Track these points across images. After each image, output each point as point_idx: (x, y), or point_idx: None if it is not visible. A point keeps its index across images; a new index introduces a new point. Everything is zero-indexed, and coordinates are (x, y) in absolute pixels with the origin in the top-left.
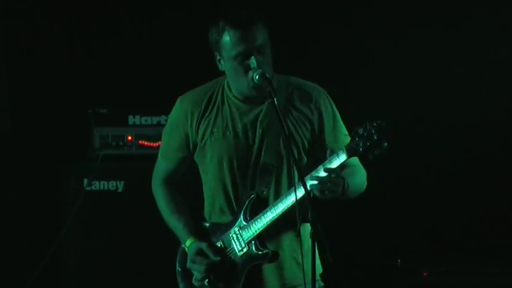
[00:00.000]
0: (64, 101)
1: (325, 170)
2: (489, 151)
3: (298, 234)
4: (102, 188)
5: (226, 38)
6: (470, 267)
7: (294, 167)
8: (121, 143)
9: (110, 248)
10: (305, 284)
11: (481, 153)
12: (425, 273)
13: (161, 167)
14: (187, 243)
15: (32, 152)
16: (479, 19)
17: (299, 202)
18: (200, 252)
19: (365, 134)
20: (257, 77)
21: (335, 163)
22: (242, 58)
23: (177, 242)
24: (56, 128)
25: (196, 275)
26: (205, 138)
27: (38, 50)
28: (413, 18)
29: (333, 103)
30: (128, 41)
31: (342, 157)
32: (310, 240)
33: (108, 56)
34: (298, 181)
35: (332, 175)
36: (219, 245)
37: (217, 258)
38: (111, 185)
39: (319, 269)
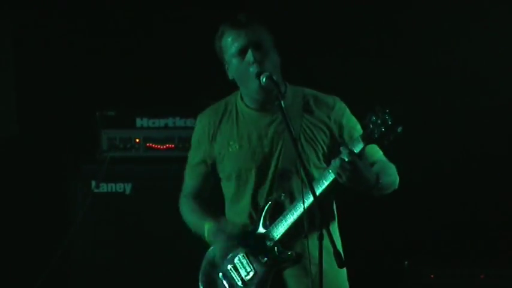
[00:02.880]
0: (72, 103)
1: (346, 151)
2: (500, 152)
3: (305, 236)
4: (109, 190)
5: (227, 39)
6: (477, 270)
7: (302, 171)
8: (129, 145)
9: (117, 250)
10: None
11: (491, 154)
12: (432, 276)
13: (187, 185)
14: (207, 225)
15: (40, 155)
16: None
17: (312, 206)
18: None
19: (378, 120)
20: (264, 79)
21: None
22: (242, 55)
23: (183, 243)
24: (63, 130)
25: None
26: (223, 151)
27: (45, 52)
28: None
29: (349, 110)
30: (136, 44)
31: (359, 146)
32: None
33: (116, 59)
34: (306, 188)
35: (352, 157)
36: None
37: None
38: (119, 187)
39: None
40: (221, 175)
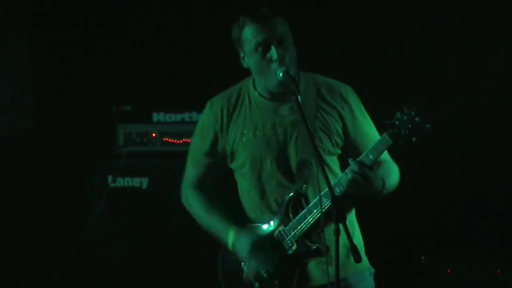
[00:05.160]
0: (88, 98)
1: (358, 163)
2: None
3: (322, 230)
4: (126, 185)
5: (247, 32)
6: (494, 265)
7: (319, 166)
8: (145, 140)
9: (133, 245)
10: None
11: (505, 150)
12: (448, 271)
13: (190, 174)
14: (231, 237)
15: (56, 150)
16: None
17: (338, 201)
18: (255, 244)
19: (405, 117)
20: (280, 74)
21: (381, 150)
22: (263, 50)
23: (200, 238)
24: (80, 125)
25: (258, 266)
26: (236, 140)
27: (61, 47)
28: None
29: (359, 101)
30: (152, 38)
31: (387, 143)
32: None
33: (133, 53)
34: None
35: (364, 169)
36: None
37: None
38: (136, 181)
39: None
40: (234, 165)
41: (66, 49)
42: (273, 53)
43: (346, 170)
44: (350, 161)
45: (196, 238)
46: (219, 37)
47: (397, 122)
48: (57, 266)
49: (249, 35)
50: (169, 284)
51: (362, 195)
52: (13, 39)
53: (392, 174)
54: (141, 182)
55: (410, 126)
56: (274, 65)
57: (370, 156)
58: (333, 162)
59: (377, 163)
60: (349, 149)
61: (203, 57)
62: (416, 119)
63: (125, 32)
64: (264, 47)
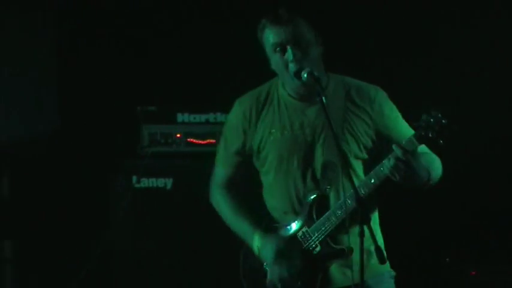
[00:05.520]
0: (113, 98)
1: (402, 149)
2: None
3: (347, 232)
4: (150, 185)
5: (267, 34)
6: None
7: (344, 168)
8: (170, 141)
9: (157, 245)
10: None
11: None
12: (472, 272)
13: (219, 174)
14: (256, 242)
15: (81, 150)
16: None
17: (363, 203)
18: (280, 251)
19: (432, 119)
20: (305, 75)
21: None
22: (281, 51)
23: (224, 238)
24: (105, 125)
25: (281, 269)
26: (264, 139)
27: (86, 47)
28: None
29: (390, 101)
30: (178, 39)
31: (413, 145)
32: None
33: (157, 54)
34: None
35: (406, 156)
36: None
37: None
38: (160, 182)
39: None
40: (260, 164)
41: (92, 49)
42: (289, 54)
43: (389, 156)
44: (394, 146)
45: (220, 238)
46: (245, 38)
47: (423, 124)
48: (82, 266)
49: (268, 37)
50: (193, 283)
51: (408, 183)
52: (39, 40)
53: (435, 164)
54: (165, 182)
55: (437, 128)
56: (291, 66)
57: (399, 157)
58: (358, 166)
59: (419, 154)
60: (384, 150)
61: (229, 58)
62: (444, 121)
63: (151, 33)
64: (281, 48)
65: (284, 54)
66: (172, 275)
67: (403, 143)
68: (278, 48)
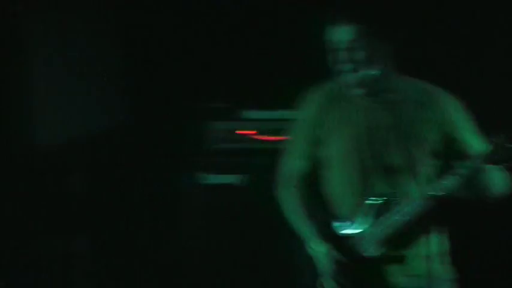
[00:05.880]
0: (182, 95)
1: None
2: None
3: (409, 236)
4: (218, 182)
5: (326, 34)
6: None
7: (410, 171)
8: (237, 137)
9: (227, 242)
10: None
11: None
12: None
13: (288, 167)
14: (315, 248)
15: (149, 147)
16: None
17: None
18: (337, 262)
19: (504, 143)
20: (359, 75)
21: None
22: (333, 53)
23: (293, 235)
24: (173, 122)
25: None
26: (329, 135)
27: (155, 44)
28: None
29: (462, 108)
30: (246, 36)
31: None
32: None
33: (226, 51)
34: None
35: (477, 167)
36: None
37: (353, 263)
38: (227, 178)
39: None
40: (325, 159)
41: (160, 45)
42: (339, 55)
43: (457, 167)
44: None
45: (290, 235)
46: (314, 36)
47: (493, 146)
48: (150, 265)
49: (327, 37)
50: (263, 281)
51: (473, 195)
52: (108, 39)
53: (501, 177)
54: (233, 179)
55: (503, 154)
56: (340, 67)
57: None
58: (425, 170)
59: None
60: (452, 155)
61: (297, 55)
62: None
63: (217, 30)
64: (334, 48)
65: (335, 55)
66: (242, 272)
67: (471, 160)
68: (332, 49)
